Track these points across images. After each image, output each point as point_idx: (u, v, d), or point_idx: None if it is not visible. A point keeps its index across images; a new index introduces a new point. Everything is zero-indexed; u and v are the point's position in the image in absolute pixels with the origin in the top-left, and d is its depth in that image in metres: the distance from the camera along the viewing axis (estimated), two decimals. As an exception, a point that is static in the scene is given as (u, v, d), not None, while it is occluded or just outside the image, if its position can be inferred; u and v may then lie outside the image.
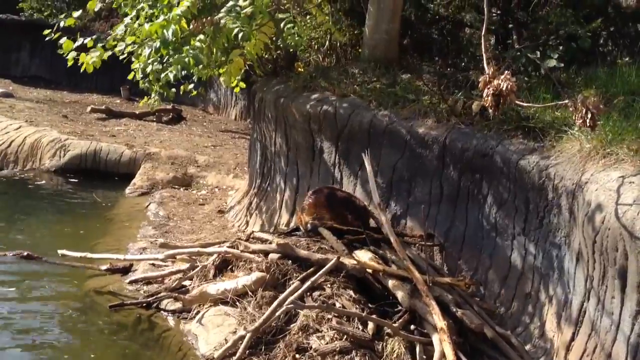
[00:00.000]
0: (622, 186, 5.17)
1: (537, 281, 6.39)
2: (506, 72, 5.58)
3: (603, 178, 5.40)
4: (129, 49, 8.94)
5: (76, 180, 13.09)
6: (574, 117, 5.29)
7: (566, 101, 5.50)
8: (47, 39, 9.13)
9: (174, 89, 9.37)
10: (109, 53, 8.84)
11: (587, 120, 5.12)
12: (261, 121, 10.05)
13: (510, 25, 9.66)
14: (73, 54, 8.78)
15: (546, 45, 8.78)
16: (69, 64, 8.91)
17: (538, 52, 8.51)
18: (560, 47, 8.65)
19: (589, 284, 5.43)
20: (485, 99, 5.56)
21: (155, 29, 7.43)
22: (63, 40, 8.75)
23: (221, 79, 9.01)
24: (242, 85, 9.66)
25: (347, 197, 7.84)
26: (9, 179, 13.04)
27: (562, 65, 8.35)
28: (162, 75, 8.15)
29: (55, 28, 9.05)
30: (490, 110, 5.65)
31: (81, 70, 8.91)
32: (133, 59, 8.75)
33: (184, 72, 7.76)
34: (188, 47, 7.59)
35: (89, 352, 6.81)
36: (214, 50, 8.01)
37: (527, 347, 6.20)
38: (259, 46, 7.49)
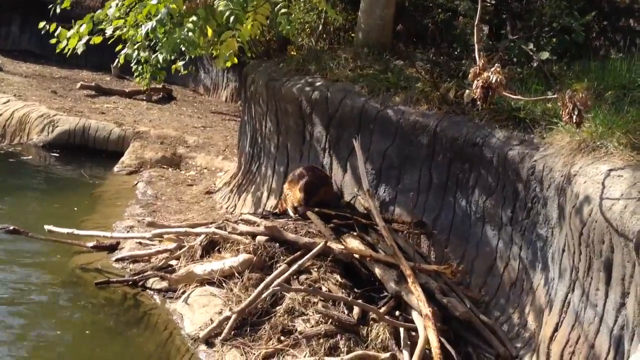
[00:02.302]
0: (610, 179, 5.20)
1: (523, 271, 6.43)
2: (496, 65, 5.59)
3: (592, 171, 5.43)
4: (118, 32, 8.94)
5: (64, 156, 13.01)
6: (561, 113, 5.31)
7: (554, 95, 5.52)
8: (41, 27, 9.10)
9: (164, 71, 9.38)
10: (99, 39, 8.84)
11: (574, 117, 5.15)
12: (252, 104, 10.02)
13: (504, 16, 9.66)
14: (63, 43, 8.79)
15: (539, 37, 8.79)
16: (58, 49, 8.91)
17: (531, 44, 8.52)
18: (554, 39, 8.67)
19: (574, 275, 5.47)
20: (475, 90, 5.57)
21: (150, 8, 7.41)
22: (58, 31, 8.73)
23: (214, 61, 8.99)
24: (234, 60, 9.60)
25: (311, 167, 8.12)
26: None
27: (555, 57, 8.36)
28: (153, 56, 8.16)
29: (51, 14, 9.01)
30: (478, 102, 5.67)
31: (67, 54, 8.90)
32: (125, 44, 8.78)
33: (174, 55, 7.78)
34: (180, 27, 7.58)
35: (73, 328, 6.82)
36: (207, 31, 7.99)
37: (511, 335, 6.25)
38: (256, 27, 7.44)
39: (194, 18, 7.45)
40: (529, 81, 7.43)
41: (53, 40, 8.98)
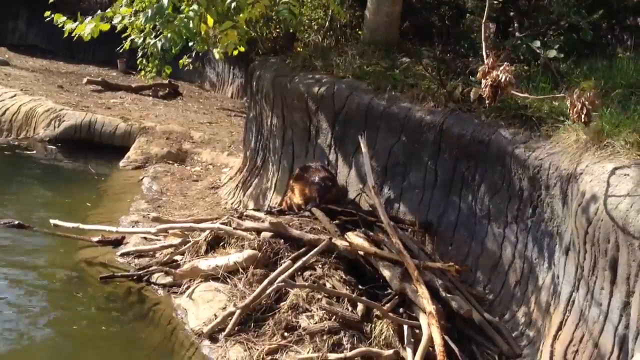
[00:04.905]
0: (616, 178, 5.18)
1: (527, 269, 6.42)
2: (505, 63, 5.57)
3: (598, 169, 5.41)
4: (125, 21, 8.90)
5: (70, 151, 13.03)
6: (569, 111, 5.30)
7: (563, 94, 5.51)
8: (46, 16, 9.06)
9: (169, 66, 9.34)
10: (107, 26, 8.79)
11: (582, 116, 5.13)
12: (258, 100, 10.02)
13: (512, 13, 9.63)
14: (71, 26, 8.73)
15: (547, 34, 8.76)
16: (66, 34, 8.86)
17: (538, 42, 8.49)
18: (561, 37, 8.64)
19: (579, 274, 5.46)
20: (483, 89, 5.56)
21: None
22: (60, 18, 8.68)
23: (214, 50, 8.94)
24: (242, 49, 9.54)
25: (320, 166, 8.13)
26: (2, 147, 12.97)
27: (562, 55, 8.33)
28: (151, 43, 8.12)
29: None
30: (487, 101, 5.66)
31: (74, 38, 8.86)
32: (129, 32, 8.74)
33: (171, 44, 7.75)
34: (182, 15, 7.55)
35: (77, 322, 6.82)
36: (209, 20, 7.94)
37: (515, 334, 6.24)
38: (257, 10, 7.41)
39: (195, 6, 7.42)
40: (536, 79, 7.41)
41: (59, 23, 8.92)
